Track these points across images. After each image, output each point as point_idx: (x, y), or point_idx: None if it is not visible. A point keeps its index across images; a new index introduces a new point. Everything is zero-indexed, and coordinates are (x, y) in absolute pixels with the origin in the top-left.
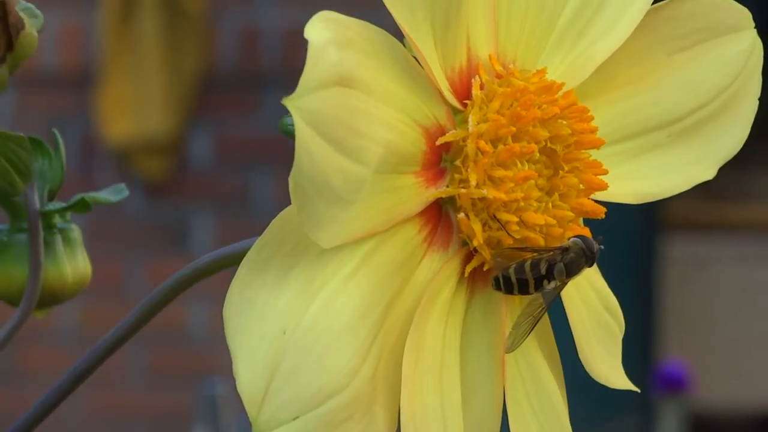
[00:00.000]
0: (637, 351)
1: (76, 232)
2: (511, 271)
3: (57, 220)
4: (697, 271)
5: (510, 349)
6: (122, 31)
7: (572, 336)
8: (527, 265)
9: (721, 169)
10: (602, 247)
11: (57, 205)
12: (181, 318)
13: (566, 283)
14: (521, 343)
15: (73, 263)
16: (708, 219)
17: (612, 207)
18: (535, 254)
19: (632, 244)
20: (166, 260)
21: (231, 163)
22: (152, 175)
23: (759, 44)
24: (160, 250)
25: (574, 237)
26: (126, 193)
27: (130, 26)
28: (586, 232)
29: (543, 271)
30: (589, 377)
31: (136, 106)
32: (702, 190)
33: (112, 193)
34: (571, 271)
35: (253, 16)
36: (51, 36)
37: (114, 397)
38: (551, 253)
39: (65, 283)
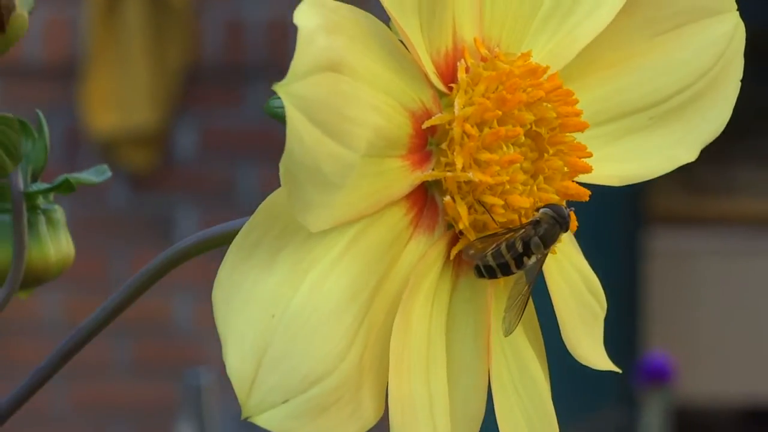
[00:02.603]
0: (621, 343)
1: (59, 213)
2: (489, 257)
3: (41, 201)
4: (681, 264)
5: (508, 332)
6: (107, 24)
7: (557, 325)
8: (503, 247)
9: (704, 163)
10: (572, 209)
11: (41, 186)
12: (166, 309)
13: (546, 255)
14: (517, 325)
15: (56, 243)
16: (691, 212)
17: (596, 200)
18: (508, 235)
19: (616, 237)
20: (151, 252)
21: (216, 155)
22: (137, 167)
23: (741, 27)
24: (145, 241)
25: (542, 207)
26: (109, 174)
27: (115, 19)
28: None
29: (520, 248)
30: (574, 369)
31: (121, 98)
32: (686, 183)
33: (95, 174)
34: (548, 241)
35: (238, 8)
36: (37, 28)
37: (99, 389)
38: (523, 230)
39: (48, 263)
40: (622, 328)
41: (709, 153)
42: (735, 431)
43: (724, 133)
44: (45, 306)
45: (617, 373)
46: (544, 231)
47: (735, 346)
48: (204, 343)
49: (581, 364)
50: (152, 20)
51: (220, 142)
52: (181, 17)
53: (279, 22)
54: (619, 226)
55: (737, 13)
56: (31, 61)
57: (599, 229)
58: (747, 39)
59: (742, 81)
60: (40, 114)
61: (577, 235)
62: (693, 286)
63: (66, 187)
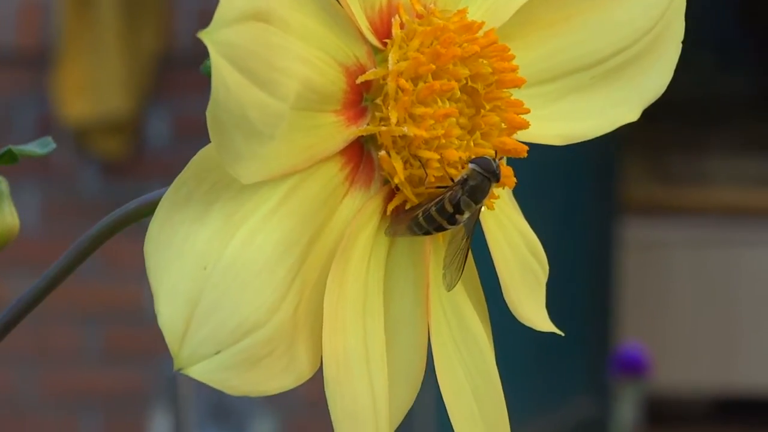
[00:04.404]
0: (595, 334)
1: (3, 185)
2: (422, 221)
3: None
4: (654, 255)
5: (450, 287)
6: (80, 10)
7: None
8: (433, 211)
9: (677, 153)
10: (501, 159)
11: None
12: (138, 297)
13: (480, 209)
14: (459, 280)
15: (0, 215)
16: (665, 202)
17: (569, 191)
18: (436, 199)
19: (590, 227)
20: (123, 239)
21: (188, 142)
22: (110, 155)
23: None
24: None
25: (470, 163)
26: (53, 145)
27: (88, 5)
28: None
29: (450, 209)
30: (547, 360)
31: (94, 85)
32: (658, 173)
33: (40, 146)
34: (479, 197)
35: None
36: (9, 14)
37: (70, 377)
38: (451, 191)
39: None
40: (596, 319)
41: (681, 143)
42: (708, 421)
43: (695, 122)
44: (14, 290)
45: (591, 363)
46: (471, 187)
47: (708, 336)
48: None
49: (554, 355)
50: (125, 7)
51: (193, 130)
52: (155, 5)
53: None
54: (592, 216)
55: None
56: (3, 48)
57: (572, 219)
58: (715, 31)
59: (713, 70)
60: None
61: (552, 226)
62: (666, 276)
63: (8, 158)
